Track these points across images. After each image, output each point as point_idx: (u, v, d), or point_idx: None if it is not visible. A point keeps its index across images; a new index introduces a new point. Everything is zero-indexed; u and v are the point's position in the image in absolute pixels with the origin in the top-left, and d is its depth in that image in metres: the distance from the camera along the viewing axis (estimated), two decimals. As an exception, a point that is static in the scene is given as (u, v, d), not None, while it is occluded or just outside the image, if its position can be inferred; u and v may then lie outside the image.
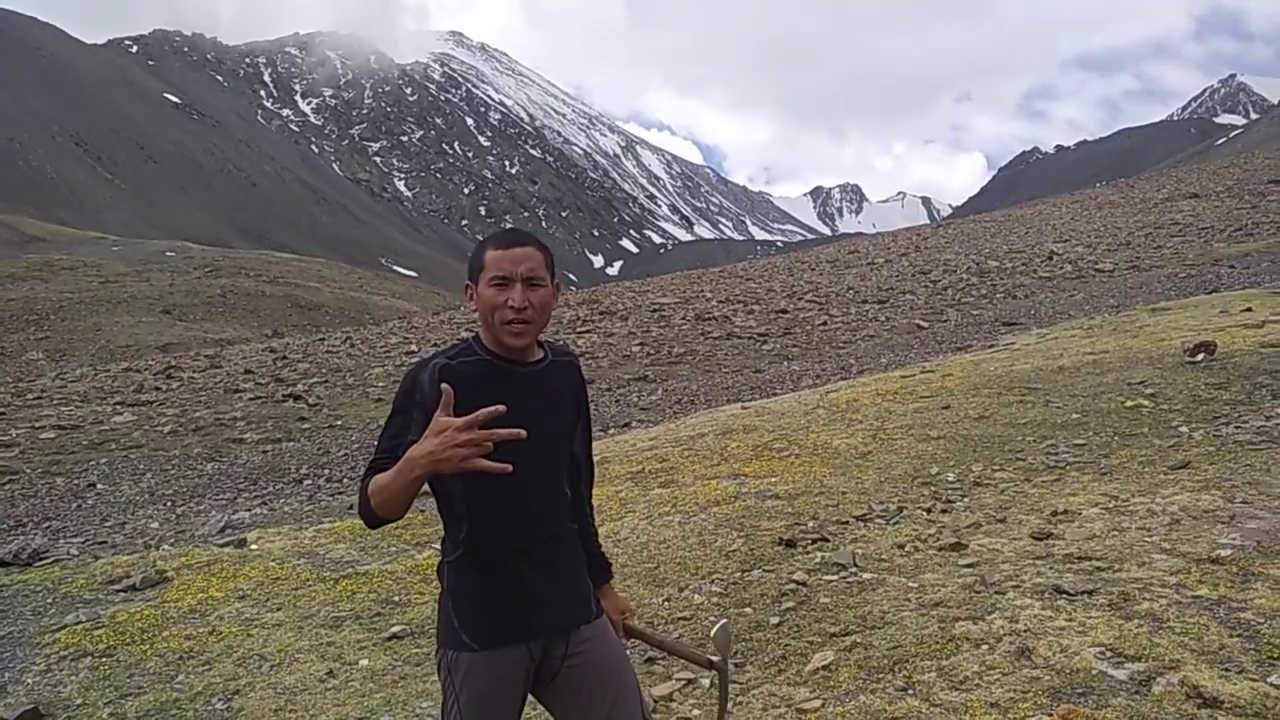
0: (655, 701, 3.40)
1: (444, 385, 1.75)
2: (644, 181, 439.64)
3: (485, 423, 1.69)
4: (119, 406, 14.20)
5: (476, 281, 2.01)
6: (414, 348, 19.26)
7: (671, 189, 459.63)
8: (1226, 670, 2.85)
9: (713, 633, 2.42)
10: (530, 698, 2.10)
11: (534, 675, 2.05)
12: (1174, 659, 2.94)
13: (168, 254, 52.44)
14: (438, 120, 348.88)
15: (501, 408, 1.72)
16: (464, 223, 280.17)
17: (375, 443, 1.96)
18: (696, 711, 3.32)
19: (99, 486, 10.00)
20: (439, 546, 2.14)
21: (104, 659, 4.22)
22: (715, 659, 2.39)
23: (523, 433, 1.74)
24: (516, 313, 1.95)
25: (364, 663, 4.05)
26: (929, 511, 5.13)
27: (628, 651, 2.29)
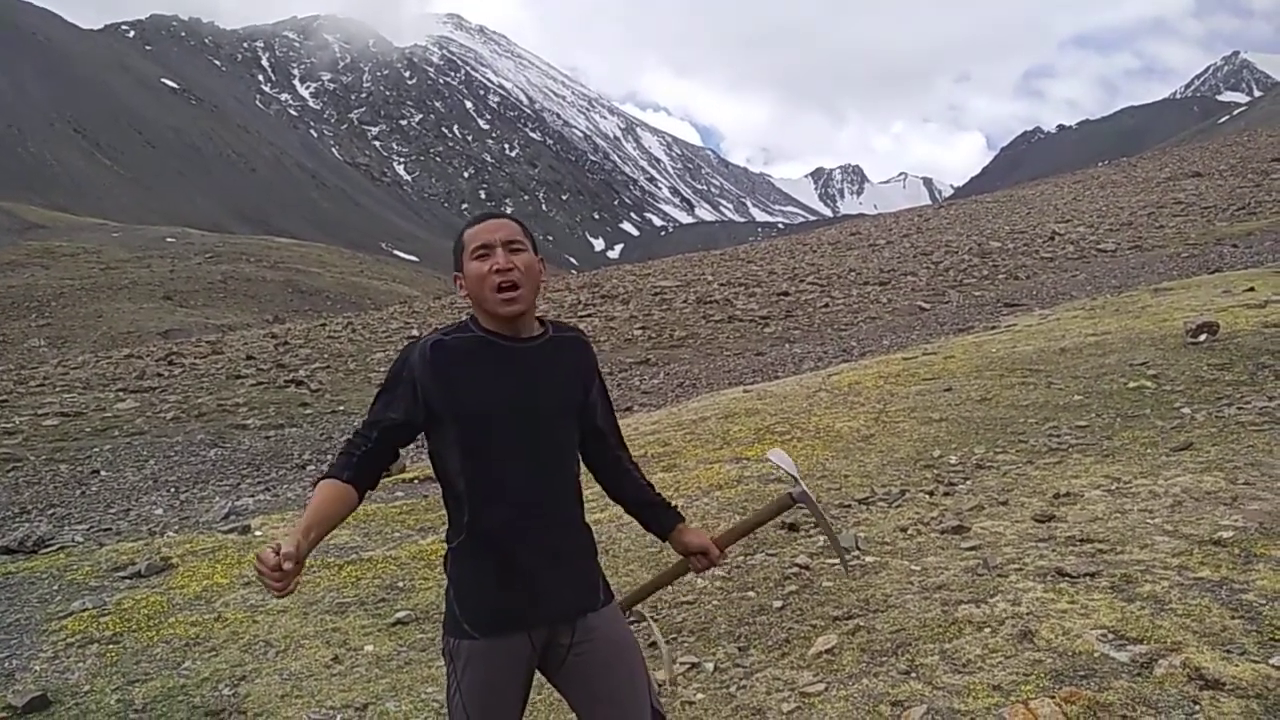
0: (659, 686, 3.42)
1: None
2: (644, 164, 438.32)
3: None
4: (121, 393, 14.22)
5: (462, 265, 2.01)
6: (415, 332, 19.27)
7: (672, 171, 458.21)
8: (1228, 652, 2.85)
9: (773, 458, 2.28)
10: (540, 679, 2.11)
11: (542, 661, 2.06)
12: (1176, 641, 2.94)
13: (168, 240, 52.43)
14: (437, 104, 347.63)
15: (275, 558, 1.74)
16: (464, 206, 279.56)
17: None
18: (700, 695, 3.34)
19: (103, 473, 10.03)
20: (445, 534, 2.14)
21: (111, 646, 4.24)
22: (794, 491, 2.27)
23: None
24: (503, 274, 1.95)
25: (369, 648, 4.07)
26: (931, 494, 5.13)
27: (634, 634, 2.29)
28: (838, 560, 2.43)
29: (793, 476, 2.30)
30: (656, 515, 2.24)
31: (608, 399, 2.23)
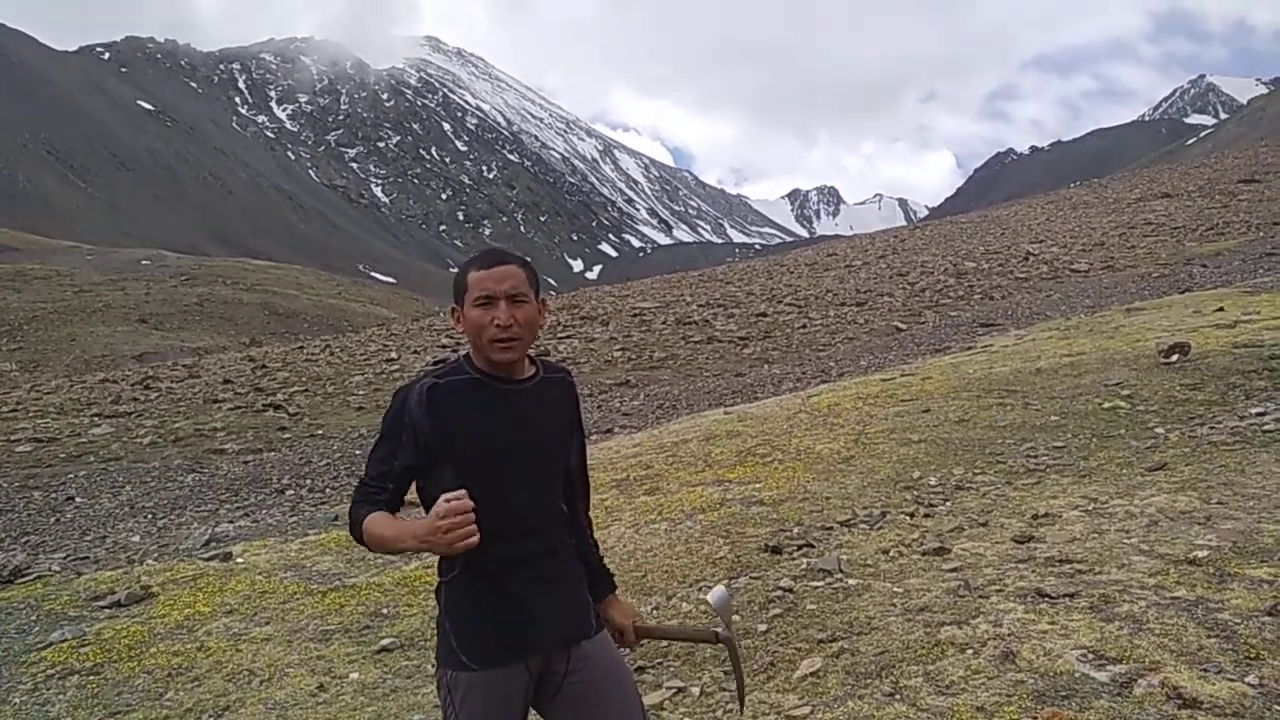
0: (650, 710, 3.43)
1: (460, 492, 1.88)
2: (622, 185, 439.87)
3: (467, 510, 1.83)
4: (96, 418, 14.06)
5: (462, 304, 2.04)
6: (394, 355, 19.19)
7: (649, 192, 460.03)
8: (1205, 671, 2.91)
9: (711, 600, 2.33)
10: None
11: (535, 690, 2.08)
12: (1154, 660, 3.00)
13: (143, 262, 51.87)
14: (414, 126, 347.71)
15: (468, 501, 1.85)
16: (442, 228, 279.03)
17: (359, 454, 2.03)
18: (688, 719, 3.35)
19: (78, 500, 9.90)
20: (434, 565, 2.16)
21: (91, 677, 4.20)
22: (720, 631, 2.35)
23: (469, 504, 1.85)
24: (503, 330, 1.98)
25: (354, 676, 4.06)
26: (912, 516, 5.18)
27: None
28: (736, 701, 2.50)
29: (723, 620, 2.40)
30: (595, 578, 2.26)
31: (584, 444, 2.30)
